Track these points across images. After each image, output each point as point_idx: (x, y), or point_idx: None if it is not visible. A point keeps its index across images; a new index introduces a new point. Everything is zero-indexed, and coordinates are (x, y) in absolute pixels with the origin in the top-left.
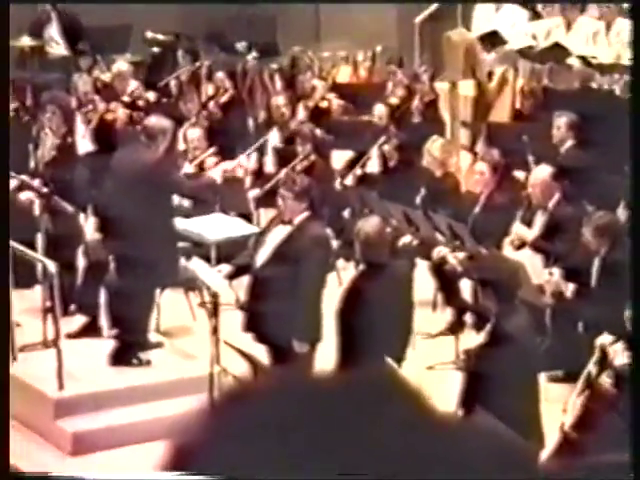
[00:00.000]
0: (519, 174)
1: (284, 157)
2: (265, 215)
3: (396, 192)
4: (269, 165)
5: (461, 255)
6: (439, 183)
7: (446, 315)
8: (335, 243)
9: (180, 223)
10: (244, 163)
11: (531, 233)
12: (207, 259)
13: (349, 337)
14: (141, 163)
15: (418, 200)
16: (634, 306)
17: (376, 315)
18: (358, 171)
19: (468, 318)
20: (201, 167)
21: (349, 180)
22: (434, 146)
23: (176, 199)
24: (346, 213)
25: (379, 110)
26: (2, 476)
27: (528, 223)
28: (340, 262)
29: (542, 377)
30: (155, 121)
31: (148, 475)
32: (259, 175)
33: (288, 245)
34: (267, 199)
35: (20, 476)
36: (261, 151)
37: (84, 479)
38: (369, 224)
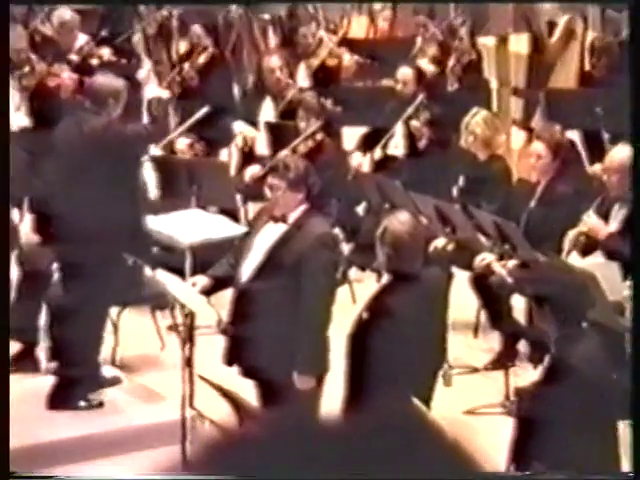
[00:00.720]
0: (590, 158)
1: (281, 135)
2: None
3: (426, 181)
4: (261, 146)
5: (512, 263)
6: (483, 169)
7: (492, 342)
8: (346, 247)
9: (144, 221)
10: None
11: (606, 228)
12: (180, 269)
13: (365, 370)
14: (88, 131)
15: (455, 192)
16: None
17: (400, 342)
18: (377, 153)
19: (522, 347)
20: (172, 150)
21: (365, 165)
22: (476, 120)
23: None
24: (360, 209)
25: (404, 74)
26: (2, 476)
27: (605, 218)
28: (353, 272)
29: (622, 426)
30: (103, 80)
31: (148, 476)
32: (249, 158)
33: (282, 249)
34: (260, 190)
35: (20, 476)
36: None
37: (84, 479)
38: (399, 222)
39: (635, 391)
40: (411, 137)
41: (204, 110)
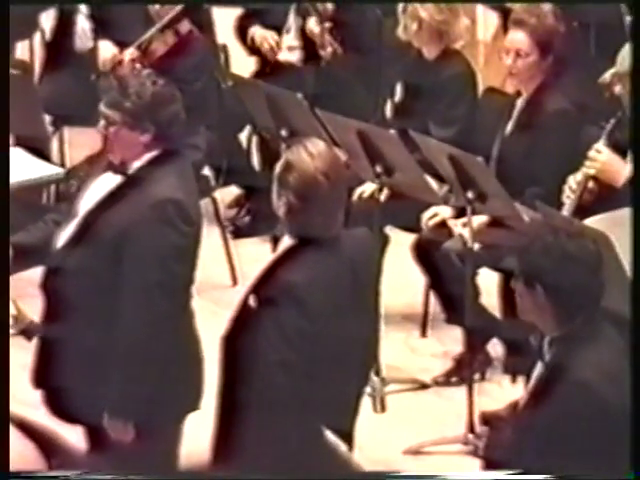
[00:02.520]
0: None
1: (115, 22)
2: (80, 146)
3: (343, 94)
4: (83, 37)
5: (478, 221)
6: (431, 74)
7: (448, 344)
8: (221, 196)
9: None
10: None
11: (625, 167)
12: None
13: (249, 390)
14: None
15: (389, 110)
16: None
17: (306, 343)
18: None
19: (494, 349)
20: None
21: (247, 69)
22: None
23: None
24: (243, 137)
25: None
26: (2, 476)
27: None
28: (232, 234)
29: None
30: None
31: (154, 475)
32: (60, 58)
33: (104, 214)
34: (90, 111)
35: (20, 476)
36: (65, 12)
37: (86, 479)
38: (310, 155)
39: (634, 390)
40: (310, 42)
41: None
